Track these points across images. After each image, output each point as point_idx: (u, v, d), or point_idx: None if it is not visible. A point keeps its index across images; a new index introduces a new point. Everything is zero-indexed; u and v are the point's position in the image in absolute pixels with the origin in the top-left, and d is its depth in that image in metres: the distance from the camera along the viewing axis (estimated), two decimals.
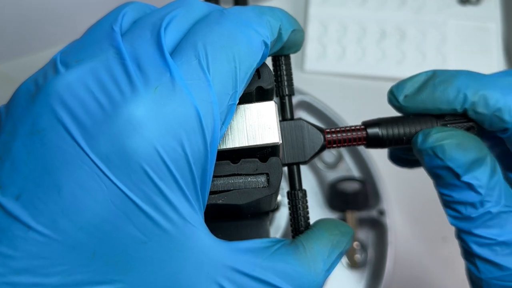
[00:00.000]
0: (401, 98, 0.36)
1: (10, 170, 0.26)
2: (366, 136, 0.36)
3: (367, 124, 0.36)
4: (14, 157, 0.26)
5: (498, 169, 0.33)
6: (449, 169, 0.33)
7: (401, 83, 0.36)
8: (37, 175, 0.26)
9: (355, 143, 0.36)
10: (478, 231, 0.33)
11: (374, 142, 0.36)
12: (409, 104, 0.36)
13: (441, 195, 0.34)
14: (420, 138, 0.34)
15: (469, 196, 0.33)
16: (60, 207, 0.25)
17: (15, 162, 0.26)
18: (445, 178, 0.33)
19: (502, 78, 0.35)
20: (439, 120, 0.35)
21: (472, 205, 0.33)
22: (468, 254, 0.34)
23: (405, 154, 0.40)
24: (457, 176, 0.32)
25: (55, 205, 0.25)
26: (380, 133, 0.35)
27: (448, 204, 0.34)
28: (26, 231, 0.25)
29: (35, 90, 0.28)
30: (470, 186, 0.32)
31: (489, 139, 0.38)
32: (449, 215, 0.34)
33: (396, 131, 0.35)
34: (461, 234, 0.34)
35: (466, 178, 0.32)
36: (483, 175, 0.32)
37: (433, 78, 0.35)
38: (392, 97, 0.36)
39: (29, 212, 0.25)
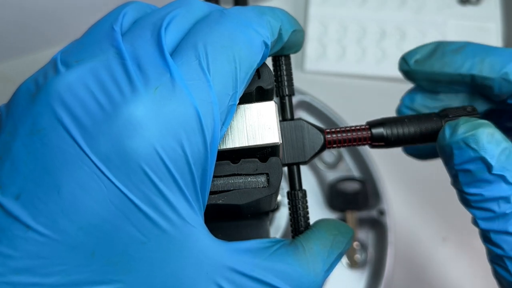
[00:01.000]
0: (411, 62, 0.37)
1: (10, 170, 0.26)
2: (371, 136, 0.35)
3: (372, 124, 0.36)
4: (14, 157, 0.26)
5: None
6: (482, 161, 0.31)
7: (414, 49, 0.38)
8: (37, 175, 0.26)
9: (359, 142, 0.36)
10: None
11: (378, 142, 0.36)
12: (419, 67, 0.37)
13: (468, 196, 0.32)
14: (447, 131, 0.33)
15: (501, 190, 0.31)
16: (59, 207, 0.25)
17: (15, 162, 0.26)
18: (475, 173, 0.31)
19: (509, 50, 0.36)
20: (443, 117, 0.35)
21: (506, 199, 0.31)
22: (498, 258, 0.32)
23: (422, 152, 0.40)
24: (489, 168, 0.31)
25: (55, 205, 0.25)
26: (385, 133, 0.35)
27: (477, 205, 0.32)
28: (25, 231, 0.25)
29: (35, 89, 0.28)
30: (502, 178, 0.31)
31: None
32: (479, 218, 0.32)
33: (400, 130, 0.35)
34: (493, 237, 0.32)
35: (497, 170, 0.31)
36: None
37: (444, 46, 0.37)
38: (403, 62, 0.38)
39: (28, 212, 0.25)
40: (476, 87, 0.36)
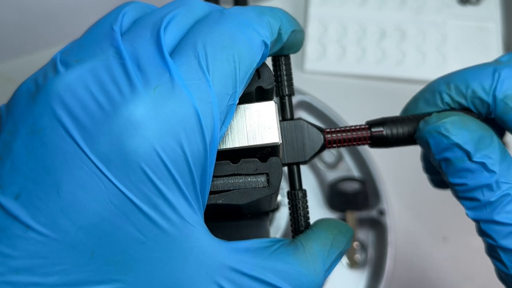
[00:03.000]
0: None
1: (10, 170, 0.26)
2: (371, 135, 0.36)
3: (371, 124, 0.36)
4: (15, 157, 0.26)
5: (506, 149, 0.32)
6: (458, 147, 0.32)
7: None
8: (37, 175, 0.26)
9: (359, 142, 0.36)
10: (500, 217, 0.31)
11: (378, 141, 0.36)
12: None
13: (455, 187, 0.33)
14: (421, 124, 0.34)
15: (483, 178, 0.31)
16: (59, 206, 0.25)
17: (15, 161, 0.26)
18: (455, 162, 0.32)
19: (470, 67, 0.36)
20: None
21: (489, 187, 0.31)
22: (492, 249, 0.32)
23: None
24: (468, 154, 0.31)
25: (55, 205, 0.25)
26: (384, 132, 0.35)
27: (463, 194, 0.32)
28: (25, 231, 0.25)
29: (35, 89, 0.28)
30: (483, 166, 0.31)
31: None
32: (467, 208, 0.33)
33: (400, 130, 0.35)
34: (483, 227, 0.32)
35: (477, 157, 0.31)
36: (494, 152, 0.31)
37: (414, 96, 0.38)
38: None
39: (28, 212, 0.25)
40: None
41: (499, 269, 0.32)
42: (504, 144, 0.33)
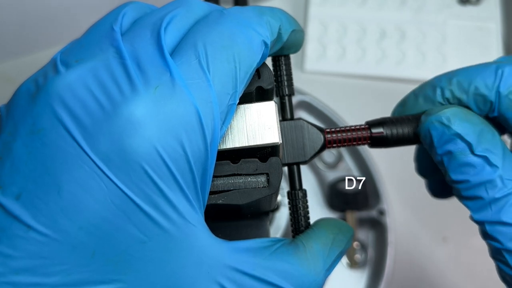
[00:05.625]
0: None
1: (10, 170, 0.26)
2: (371, 135, 0.36)
3: (371, 124, 0.36)
4: (15, 157, 0.26)
5: (507, 147, 0.32)
6: (460, 139, 0.31)
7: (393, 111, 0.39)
8: (38, 175, 0.26)
9: (359, 142, 0.36)
10: (507, 218, 0.30)
11: (378, 141, 0.36)
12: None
13: (457, 185, 0.32)
14: (422, 118, 0.34)
15: (486, 173, 0.31)
16: (60, 206, 0.25)
17: (16, 161, 0.26)
18: (457, 156, 0.31)
19: (474, 66, 0.35)
20: None
21: (492, 183, 0.31)
22: (498, 253, 0.31)
23: (443, 186, 0.40)
24: (470, 146, 0.31)
25: (55, 205, 0.25)
26: (384, 132, 0.35)
27: (466, 192, 0.32)
28: (26, 231, 0.25)
29: (35, 90, 0.28)
30: (485, 160, 0.31)
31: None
32: (471, 209, 0.32)
33: (400, 130, 0.35)
34: (488, 229, 0.31)
35: (479, 150, 0.31)
36: (496, 147, 0.31)
37: (413, 91, 0.38)
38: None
39: (29, 212, 0.25)
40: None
41: (505, 272, 0.32)
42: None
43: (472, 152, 0.31)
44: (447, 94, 0.35)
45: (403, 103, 0.38)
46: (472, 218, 0.32)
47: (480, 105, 0.34)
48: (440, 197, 0.43)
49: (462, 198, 0.32)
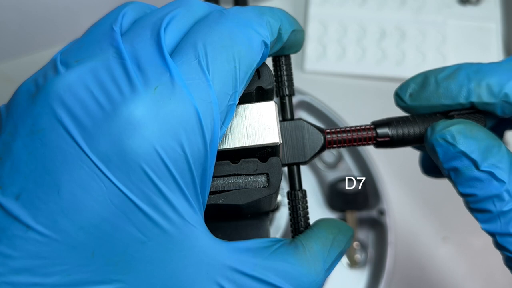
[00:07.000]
0: (406, 98, 0.36)
1: (10, 170, 0.26)
2: (376, 136, 0.35)
3: (377, 124, 0.36)
4: (15, 157, 0.26)
5: None
6: (465, 156, 0.31)
7: (405, 83, 0.36)
8: (37, 175, 0.26)
9: (364, 142, 0.36)
10: None
11: (384, 142, 0.35)
12: (415, 102, 0.36)
13: (465, 198, 0.32)
14: (428, 132, 0.33)
15: (493, 187, 0.31)
16: (59, 206, 0.25)
17: (16, 162, 0.26)
18: (463, 171, 0.31)
19: (504, 64, 0.34)
20: (449, 118, 0.35)
21: (499, 197, 0.31)
22: (509, 260, 0.32)
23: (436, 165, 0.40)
24: (475, 163, 0.31)
25: (55, 205, 0.25)
26: (390, 133, 0.35)
27: (475, 205, 0.32)
28: (25, 231, 0.25)
29: (35, 90, 0.28)
30: (491, 175, 0.31)
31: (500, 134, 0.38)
32: (480, 221, 0.32)
33: (406, 131, 0.35)
34: (499, 241, 0.31)
35: (485, 166, 0.31)
36: (503, 162, 0.31)
37: (435, 74, 0.35)
38: (398, 98, 0.37)
39: (29, 212, 0.25)
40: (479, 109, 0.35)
41: None
42: (504, 144, 0.33)
43: (477, 168, 0.31)
44: (474, 99, 0.34)
45: (422, 85, 0.36)
46: (483, 229, 0.32)
47: (506, 111, 0.34)
48: (431, 175, 0.42)
49: (471, 210, 0.33)
